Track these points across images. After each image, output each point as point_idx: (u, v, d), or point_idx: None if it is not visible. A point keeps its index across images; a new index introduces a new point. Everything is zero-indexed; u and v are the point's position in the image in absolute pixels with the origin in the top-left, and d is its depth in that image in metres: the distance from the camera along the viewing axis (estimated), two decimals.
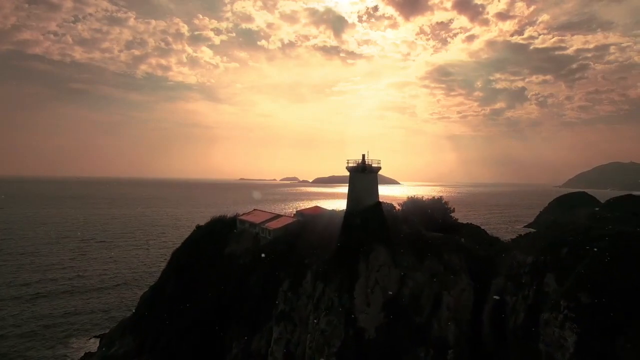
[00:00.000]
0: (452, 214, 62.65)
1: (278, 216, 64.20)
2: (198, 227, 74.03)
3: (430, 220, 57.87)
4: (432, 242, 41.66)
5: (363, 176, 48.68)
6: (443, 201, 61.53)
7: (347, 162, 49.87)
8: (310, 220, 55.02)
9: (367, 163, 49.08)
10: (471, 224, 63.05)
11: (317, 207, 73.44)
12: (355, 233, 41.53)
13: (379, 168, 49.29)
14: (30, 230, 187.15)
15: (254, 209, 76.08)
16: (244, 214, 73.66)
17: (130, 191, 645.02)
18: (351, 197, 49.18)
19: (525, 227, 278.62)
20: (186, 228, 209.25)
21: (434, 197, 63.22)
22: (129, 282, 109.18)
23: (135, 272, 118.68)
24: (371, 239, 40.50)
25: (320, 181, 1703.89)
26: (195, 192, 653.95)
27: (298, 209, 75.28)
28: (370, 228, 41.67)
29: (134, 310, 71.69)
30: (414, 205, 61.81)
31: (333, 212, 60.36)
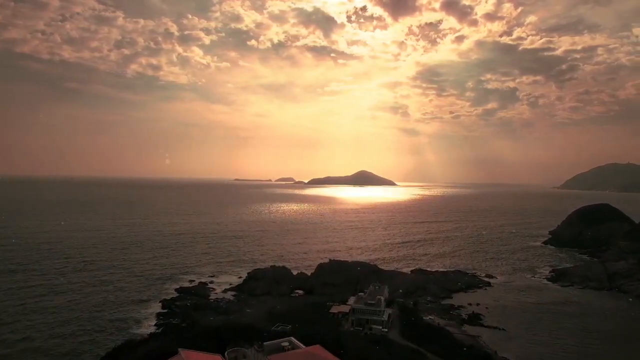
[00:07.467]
0: None
1: None
2: None
3: None
4: None
5: None
6: None
7: None
8: None
9: None
10: None
11: (317, 351, 47.62)
12: None
13: None
14: None
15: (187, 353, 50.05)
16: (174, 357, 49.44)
17: (122, 194, 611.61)
18: None
19: (544, 243, 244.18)
20: (161, 249, 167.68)
21: None
22: None
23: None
24: None
25: (316, 182, 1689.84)
26: (188, 195, 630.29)
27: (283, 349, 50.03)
28: None
29: None
30: None
31: None
